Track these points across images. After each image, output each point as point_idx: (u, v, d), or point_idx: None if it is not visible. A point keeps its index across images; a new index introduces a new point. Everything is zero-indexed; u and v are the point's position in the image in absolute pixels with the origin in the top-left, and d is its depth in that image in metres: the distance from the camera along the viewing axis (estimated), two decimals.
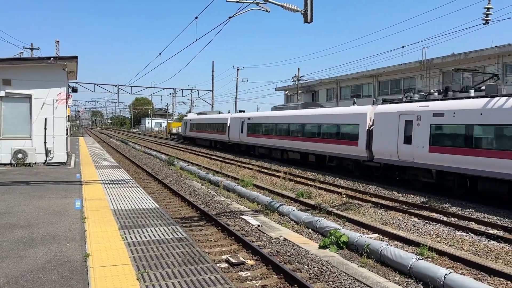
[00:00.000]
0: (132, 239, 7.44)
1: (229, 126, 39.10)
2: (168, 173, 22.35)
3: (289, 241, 9.99)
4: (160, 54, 24.25)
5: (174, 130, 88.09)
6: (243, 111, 40.63)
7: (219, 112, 50.28)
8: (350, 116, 21.97)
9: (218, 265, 7.91)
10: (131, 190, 12.83)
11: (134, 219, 8.95)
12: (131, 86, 55.84)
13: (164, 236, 7.71)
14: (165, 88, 60.89)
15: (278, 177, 21.23)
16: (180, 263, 6.27)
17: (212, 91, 61.47)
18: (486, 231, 11.35)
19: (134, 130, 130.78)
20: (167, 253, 6.72)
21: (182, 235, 7.86)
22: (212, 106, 61.68)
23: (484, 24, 15.69)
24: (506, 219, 12.72)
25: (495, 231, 11.42)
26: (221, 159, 31.62)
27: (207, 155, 34.87)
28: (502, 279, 7.85)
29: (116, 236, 7.62)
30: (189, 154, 37.01)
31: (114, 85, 55.26)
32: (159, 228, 8.27)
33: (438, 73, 35.68)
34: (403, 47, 50.43)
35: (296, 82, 49.40)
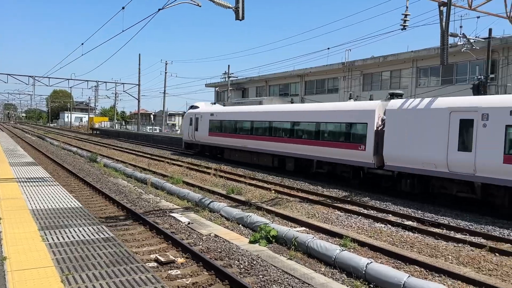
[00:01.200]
0: (54, 240, 7.01)
1: (378, 130, 17.10)
2: (91, 171, 21.30)
3: (220, 237, 10.02)
4: (82, 44, 22.96)
5: (97, 125, 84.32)
6: (400, 95, 18.18)
7: (287, 101, 27.05)
8: None
9: (147, 264, 7.72)
10: (50, 188, 12.06)
11: (55, 219, 8.43)
12: (49, 78, 52.05)
13: (89, 236, 7.35)
14: (87, 81, 57.17)
15: (209, 173, 21.15)
16: (108, 263, 6.03)
17: (139, 85, 59.43)
18: (402, 222, 12.27)
19: (51, 125, 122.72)
20: (93, 254, 6.42)
21: (109, 234, 7.55)
22: (139, 101, 59.72)
23: (402, 29, 16.81)
24: (419, 211, 13.82)
25: (409, 222, 12.37)
26: (148, 155, 30.75)
27: (133, 152, 33.74)
28: (417, 267, 8.53)
29: (36, 237, 7.13)
30: (113, 150, 35.54)
31: (30, 76, 51.18)
32: (83, 228, 7.86)
33: (359, 75, 37.69)
34: (328, 48, 52.56)
35: (227, 79, 49.46)
